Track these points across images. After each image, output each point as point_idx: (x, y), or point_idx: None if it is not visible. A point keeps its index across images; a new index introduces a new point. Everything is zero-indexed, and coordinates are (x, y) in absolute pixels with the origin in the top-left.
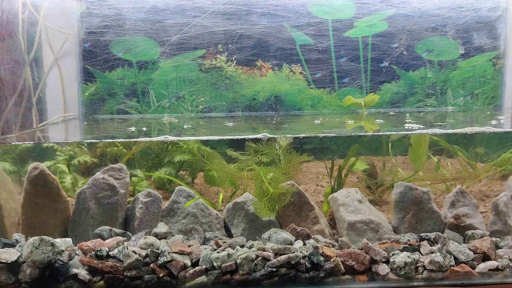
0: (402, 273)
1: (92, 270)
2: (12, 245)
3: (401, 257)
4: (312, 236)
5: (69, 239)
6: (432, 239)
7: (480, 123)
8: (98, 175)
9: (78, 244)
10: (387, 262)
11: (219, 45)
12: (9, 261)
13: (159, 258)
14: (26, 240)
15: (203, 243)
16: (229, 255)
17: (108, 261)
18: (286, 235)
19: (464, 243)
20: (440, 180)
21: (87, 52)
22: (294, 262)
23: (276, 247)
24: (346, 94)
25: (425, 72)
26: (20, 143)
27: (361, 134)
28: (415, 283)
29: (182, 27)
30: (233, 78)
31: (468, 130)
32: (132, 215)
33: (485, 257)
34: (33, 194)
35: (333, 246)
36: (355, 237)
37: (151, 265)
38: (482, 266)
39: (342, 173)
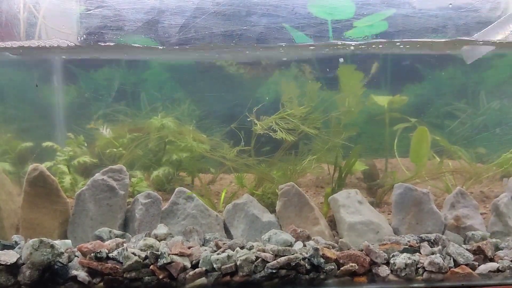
0: (403, 274)
1: (91, 272)
2: (11, 247)
3: (401, 259)
4: (312, 238)
5: (68, 241)
6: (432, 240)
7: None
8: (98, 176)
9: (77, 246)
10: (387, 263)
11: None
12: (8, 263)
13: (159, 259)
14: (26, 241)
15: (203, 245)
16: (229, 257)
17: (107, 262)
18: (286, 236)
19: (464, 244)
20: (440, 173)
21: None
22: (294, 264)
23: (276, 249)
24: None
25: None
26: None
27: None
28: (415, 285)
29: (181, 28)
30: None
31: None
32: (131, 216)
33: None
34: (33, 195)
35: (333, 247)
36: (355, 238)
37: (151, 266)
38: (483, 268)
39: (342, 174)
